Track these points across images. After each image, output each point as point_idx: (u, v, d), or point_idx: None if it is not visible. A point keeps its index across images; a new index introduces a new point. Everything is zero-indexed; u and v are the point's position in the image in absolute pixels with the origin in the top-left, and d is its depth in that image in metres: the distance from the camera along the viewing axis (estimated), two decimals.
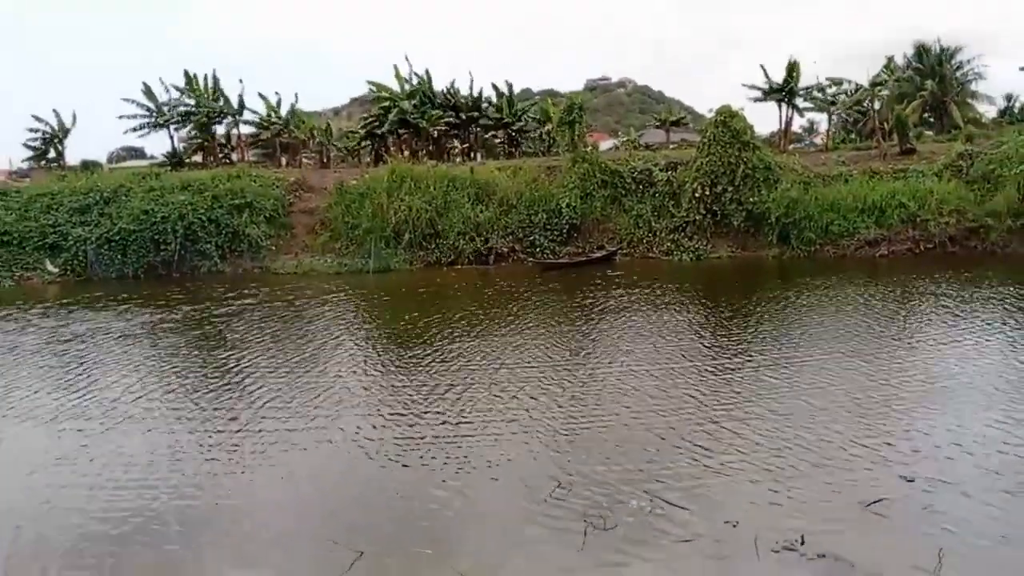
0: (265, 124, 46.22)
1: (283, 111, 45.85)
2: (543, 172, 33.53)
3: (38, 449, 11.11)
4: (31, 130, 44.35)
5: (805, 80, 39.70)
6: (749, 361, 14.14)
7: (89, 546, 8.26)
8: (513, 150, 49.33)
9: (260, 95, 45.87)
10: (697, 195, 30.08)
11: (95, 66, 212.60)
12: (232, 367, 15.25)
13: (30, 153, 45.76)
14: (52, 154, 45.42)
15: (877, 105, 41.99)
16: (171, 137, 45.16)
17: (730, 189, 29.79)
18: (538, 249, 30.85)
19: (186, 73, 43.44)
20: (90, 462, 10.49)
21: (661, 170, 32.25)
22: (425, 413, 11.90)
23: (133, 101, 43.24)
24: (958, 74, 48.82)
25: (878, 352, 14.27)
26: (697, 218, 30.24)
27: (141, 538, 8.37)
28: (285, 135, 46.66)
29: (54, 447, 11.15)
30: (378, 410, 12.15)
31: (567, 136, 33.61)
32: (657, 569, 7.34)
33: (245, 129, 47.36)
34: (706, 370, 13.62)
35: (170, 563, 7.86)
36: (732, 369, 13.63)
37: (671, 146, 51.43)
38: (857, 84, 40.43)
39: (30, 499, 9.45)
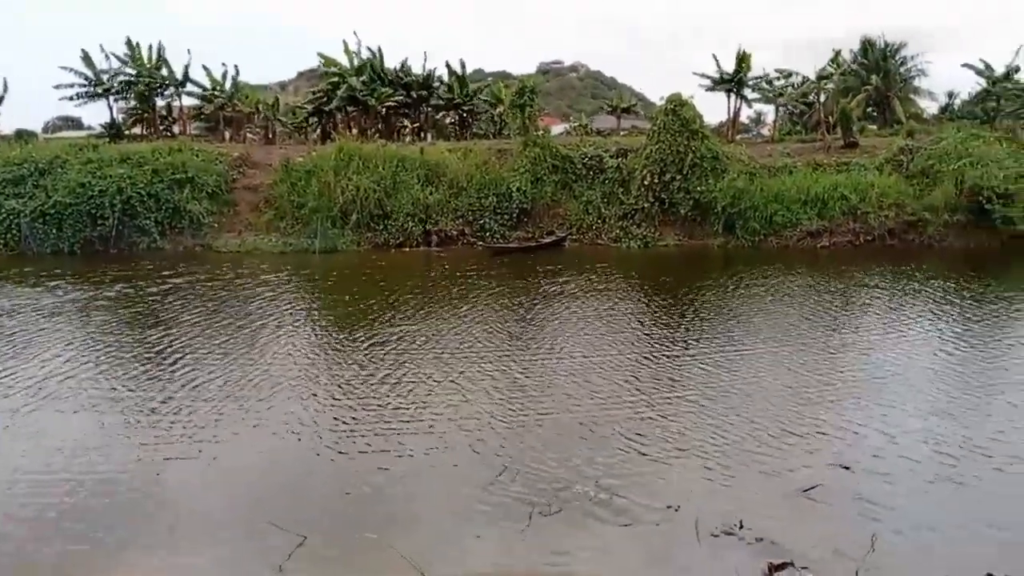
0: (208, 97, 44.94)
1: (227, 84, 44.65)
2: (494, 155, 33.43)
3: None
4: None
5: (755, 71, 40.47)
6: (690, 350, 14.43)
7: (9, 532, 8.03)
8: (464, 132, 49.08)
9: (204, 67, 44.66)
10: (646, 183, 30.38)
11: (29, 30, 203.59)
12: (166, 348, 14.93)
13: None
14: None
15: (823, 98, 42.88)
16: (110, 108, 43.68)
17: (678, 178, 30.16)
18: (488, 233, 30.81)
19: (128, 40, 41.85)
20: (12, 443, 10.19)
21: (611, 156, 32.45)
22: (366, 398, 11.86)
23: (71, 69, 41.55)
24: (902, 70, 50.14)
25: (815, 343, 14.74)
26: (645, 206, 30.56)
27: (67, 526, 8.15)
28: (229, 108, 45.48)
29: None
30: (317, 395, 12.05)
31: (519, 119, 33.54)
32: (600, 552, 7.48)
33: (187, 101, 46.08)
34: (648, 359, 13.86)
35: (98, 553, 7.67)
36: (674, 358, 13.91)
37: (622, 132, 51.87)
38: (804, 77, 41.29)
39: None
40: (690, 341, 15.07)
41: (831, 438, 10.00)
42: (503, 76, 77.03)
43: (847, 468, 9.10)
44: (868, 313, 17.50)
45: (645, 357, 13.93)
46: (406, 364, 13.58)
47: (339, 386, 12.46)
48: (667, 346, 14.72)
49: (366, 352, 14.47)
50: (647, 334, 15.72)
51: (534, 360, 13.89)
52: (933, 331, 15.56)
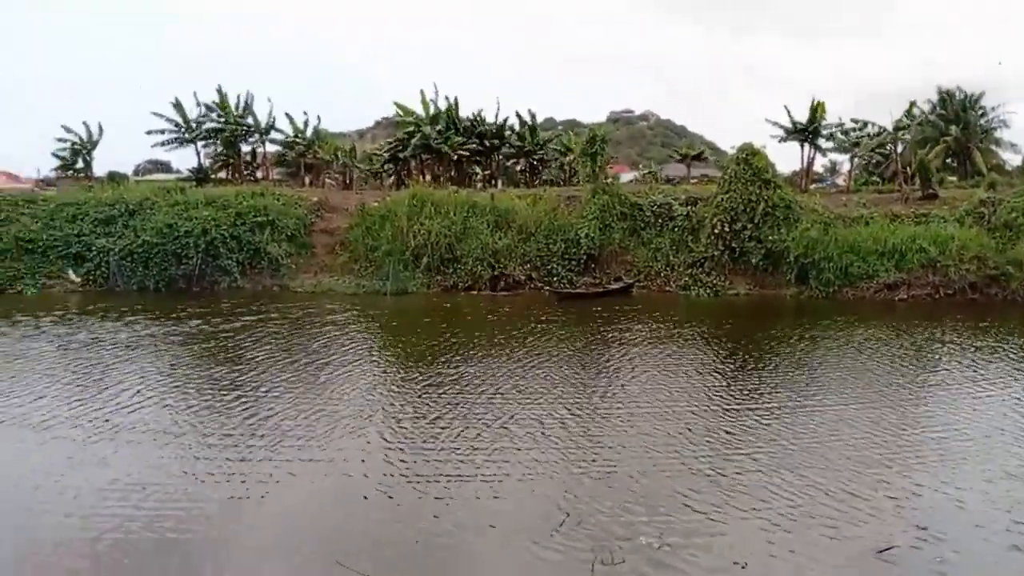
0: (290, 144, 46.86)
1: (308, 131, 46.47)
2: (563, 202, 33.73)
3: (20, 459, 11.21)
4: (59, 139, 45.31)
5: (828, 120, 39.91)
6: (762, 405, 14.07)
7: (56, 563, 8.19)
8: (534, 179, 49.72)
9: (287, 115, 46.67)
10: (716, 231, 30.13)
11: (125, 78, 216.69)
12: (235, 385, 15.36)
13: (57, 163, 46.58)
14: (79, 164, 46.19)
15: (900, 149, 42.00)
16: (198, 153, 45.95)
17: (750, 226, 29.83)
18: (555, 278, 30.94)
19: (219, 89, 44.23)
20: (73, 473, 10.56)
21: (681, 204, 32.36)
22: (431, 441, 11.94)
23: (162, 116, 44.06)
24: (982, 120, 48.72)
25: (886, 400, 14.14)
26: (715, 254, 30.27)
27: (117, 559, 8.27)
28: (309, 155, 47.24)
29: (40, 459, 11.19)
30: (383, 436, 12.17)
31: (588, 167, 33.85)
32: None
33: (270, 148, 48.12)
34: (720, 412, 13.58)
35: None
36: (744, 412, 13.57)
37: (692, 181, 51.64)
38: (880, 127, 40.56)
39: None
40: (764, 396, 14.69)
41: (900, 501, 9.58)
42: (573, 124, 78.00)
43: (924, 528, 8.72)
44: (949, 371, 16.75)
45: (716, 410, 13.65)
46: (475, 409, 13.62)
47: (408, 429, 12.57)
48: (730, 398, 14.42)
49: (436, 396, 14.58)
50: (718, 386, 15.42)
51: (604, 409, 13.78)
52: (1011, 392, 14.84)
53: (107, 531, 8.87)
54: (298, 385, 15.30)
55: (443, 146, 43.16)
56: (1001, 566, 8.04)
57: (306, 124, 46.52)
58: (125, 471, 10.63)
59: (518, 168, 53.03)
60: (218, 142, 45.68)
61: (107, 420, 12.99)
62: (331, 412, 13.38)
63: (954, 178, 47.11)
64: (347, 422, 12.82)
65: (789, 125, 39.86)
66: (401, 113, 45.30)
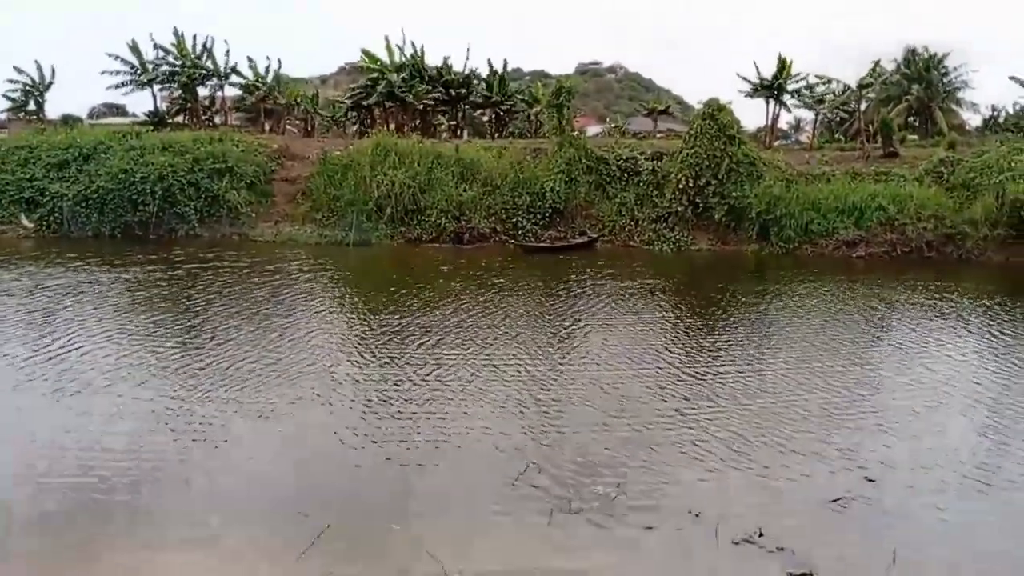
0: (250, 88, 45.69)
1: (269, 76, 45.32)
2: (529, 154, 33.48)
3: None
4: (11, 81, 43.53)
5: (795, 76, 39.95)
6: (722, 358, 14.35)
7: (32, 516, 8.17)
8: (500, 130, 49.20)
9: (248, 59, 45.35)
10: (681, 186, 30.18)
11: (78, 18, 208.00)
12: (199, 333, 15.27)
13: (8, 104, 44.87)
14: (31, 106, 44.57)
15: (863, 106, 42.28)
16: (154, 96, 44.59)
17: (714, 182, 29.92)
18: (520, 231, 30.85)
19: (175, 31, 42.65)
20: (38, 431, 10.45)
21: (647, 159, 32.30)
22: (395, 390, 12.02)
23: (118, 57, 42.47)
24: (945, 80, 49.26)
25: (848, 355, 14.54)
26: (679, 209, 30.37)
27: (93, 504, 8.33)
28: (270, 101, 46.16)
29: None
30: (346, 386, 12.22)
31: (555, 119, 33.50)
32: (619, 554, 7.51)
33: (229, 92, 46.89)
34: (678, 365, 13.81)
35: (125, 532, 7.87)
36: (704, 365, 13.84)
37: (658, 135, 51.54)
38: (844, 84, 40.71)
39: None
40: (725, 349, 14.98)
41: (858, 453, 9.89)
42: (541, 76, 77.13)
43: (872, 481, 9.02)
44: (904, 327, 17.20)
45: (677, 363, 13.88)
46: (439, 358, 13.71)
47: (371, 378, 12.64)
48: (695, 352, 14.67)
49: (399, 346, 14.64)
50: (680, 340, 15.68)
51: (567, 360, 13.96)
52: (969, 347, 15.30)
53: (57, 482, 8.79)
54: (257, 336, 15.18)
55: (408, 95, 42.37)
56: (952, 513, 8.39)
57: (267, 69, 45.41)
58: (74, 421, 10.52)
59: (484, 119, 52.38)
60: (175, 86, 44.32)
61: (57, 367, 12.81)
62: (298, 363, 13.34)
63: (915, 137, 47.77)
64: (315, 373, 12.80)
65: (756, 80, 39.84)
66: (366, 60, 44.27)
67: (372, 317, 17.44)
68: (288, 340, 14.90)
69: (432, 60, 44.53)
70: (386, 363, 13.48)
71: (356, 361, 13.67)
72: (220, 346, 14.29)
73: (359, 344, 14.92)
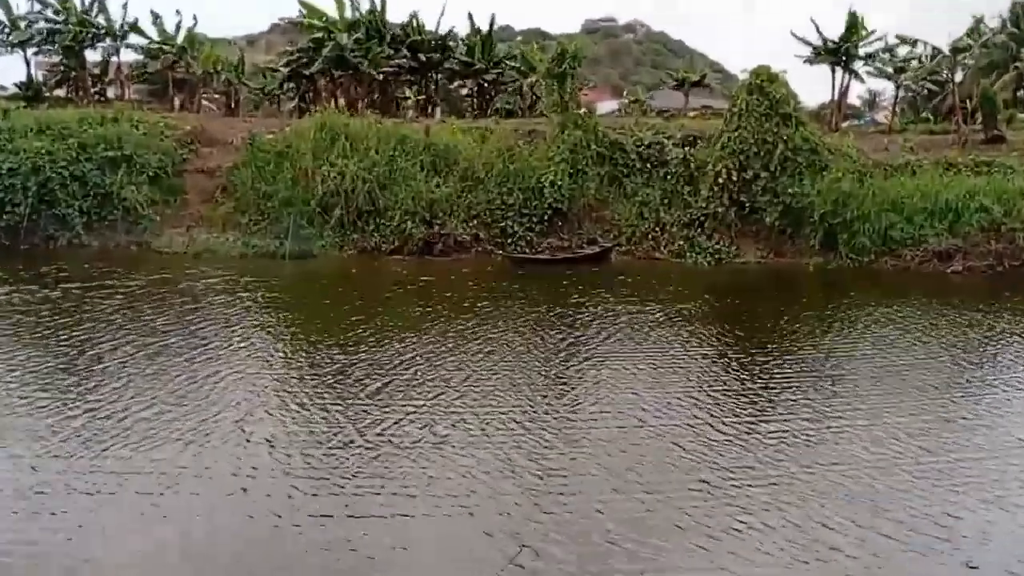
0: (155, 52, 45.70)
1: (180, 36, 45.32)
2: (522, 138, 33.52)
3: None
4: None
5: (869, 38, 40.22)
6: (771, 410, 14.20)
7: None
8: (484, 107, 49.33)
9: (152, 13, 45.34)
10: (721, 180, 30.24)
11: None
12: (76, 375, 15.07)
13: None
14: None
15: (959, 76, 42.58)
16: (27, 62, 44.49)
17: (764, 175, 30.00)
18: (510, 239, 30.86)
19: None
20: None
21: (676, 145, 32.39)
22: (338, 452, 11.77)
23: None
24: None
25: (942, 407, 14.35)
26: (719, 210, 30.43)
27: None
28: (181, 68, 46.15)
29: None
30: (271, 447, 11.96)
31: (556, 92, 33.58)
32: None
33: (127, 57, 46.85)
34: (713, 418, 13.58)
35: None
36: (748, 419, 13.63)
37: (690, 114, 51.78)
38: (935, 47, 40.99)
39: None
40: (768, 397, 14.84)
41: (955, 532, 9.75)
42: (538, 36, 77.64)
43: (975, 568, 8.89)
44: (1006, 371, 17.10)
45: (705, 416, 13.68)
46: (388, 409, 13.52)
47: (293, 437, 12.36)
48: (735, 402, 14.49)
49: (335, 391, 14.46)
50: (710, 384, 15.52)
51: (554, 413, 13.72)
52: None
53: None
54: (154, 380, 14.94)
55: (363, 60, 42.42)
56: None
57: (177, 26, 45.49)
58: None
59: (464, 92, 52.55)
60: (55, 48, 44.24)
61: None
62: (198, 415, 13.09)
63: None
64: (219, 431, 12.55)
65: (818, 42, 40.11)
66: (307, 14, 44.38)
67: (310, 353, 17.24)
68: (195, 385, 14.66)
69: (396, 15, 44.90)
70: (327, 415, 13.26)
71: (285, 413, 13.42)
72: (103, 393, 14.03)
73: (290, 390, 14.70)
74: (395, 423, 12.91)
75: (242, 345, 17.71)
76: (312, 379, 15.38)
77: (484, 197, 31.39)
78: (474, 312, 21.19)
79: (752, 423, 13.40)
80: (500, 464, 11.47)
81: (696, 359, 17.28)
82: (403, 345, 17.74)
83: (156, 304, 21.53)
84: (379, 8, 43.94)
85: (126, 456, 11.51)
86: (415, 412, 13.41)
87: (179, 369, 15.62)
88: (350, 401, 14.02)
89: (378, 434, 12.49)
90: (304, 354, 17.46)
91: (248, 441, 12.22)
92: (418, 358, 16.59)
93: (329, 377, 15.38)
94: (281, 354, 17.52)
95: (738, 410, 14.04)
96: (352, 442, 12.23)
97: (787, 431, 13.07)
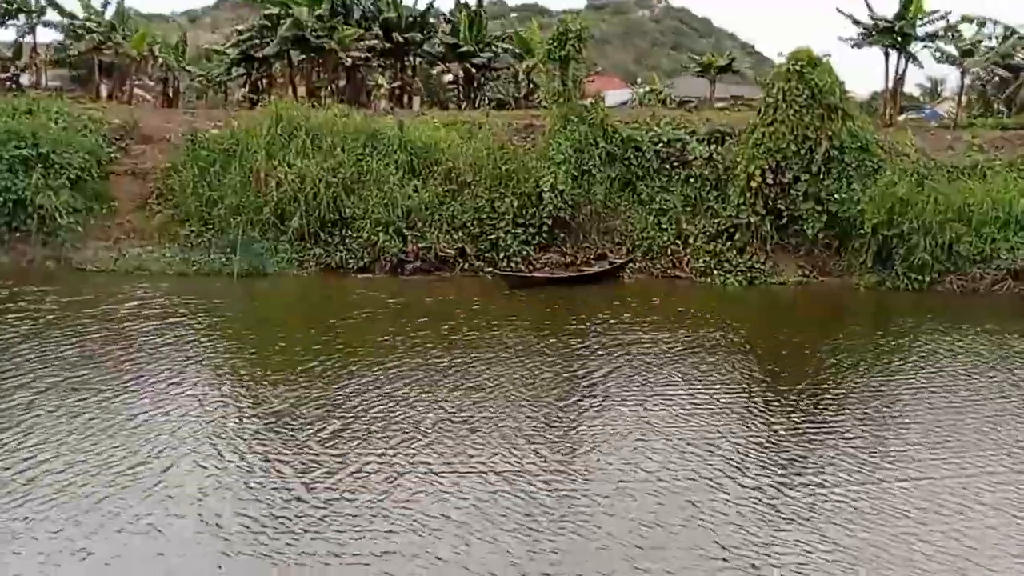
0: (78, 32, 45.73)
1: (108, 12, 45.48)
2: (516, 134, 33.58)
3: None
4: None
5: (929, 15, 40.34)
6: (812, 461, 14.12)
7: None
8: (472, 97, 49.48)
9: None
10: (754, 185, 30.25)
11: None
12: None
13: None
14: None
15: None
16: None
17: (805, 178, 30.03)
18: (503, 255, 30.84)
19: None
20: None
21: (700, 142, 32.45)
22: (282, 512, 11.71)
23: None
24: None
25: (1013, 465, 14.23)
26: (753, 220, 30.43)
27: None
28: (109, 51, 46.16)
29: None
30: (202, 507, 11.86)
31: (557, 79, 33.62)
32: None
33: (45, 37, 46.93)
34: (741, 471, 13.56)
35: None
36: (782, 472, 13.58)
37: (718, 105, 51.95)
38: (1008, 27, 41.15)
39: None
40: (808, 445, 14.79)
41: None
42: (535, 11, 77.95)
43: None
44: None
45: (732, 468, 13.66)
46: (346, 459, 13.48)
47: (229, 495, 12.28)
48: (769, 451, 14.46)
49: (283, 437, 14.44)
50: (739, 429, 15.51)
51: (558, 462, 13.72)
52: None
53: None
54: (62, 423, 14.86)
55: (327, 41, 42.50)
56: None
57: (105, 3, 45.53)
58: None
59: (448, 80, 52.73)
60: None
61: None
62: (113, 467, 13.00)
63: None
64: (139, 487, 12.47)
65: (868, 21, 40.24)
66: None
67: (253, 390, 17.15)
68: (114, 429, 14.58)
69: None
70: (268, 465, 13.21)
71: (219, 463, 13.35)
72: (3, 438, 13.95)
73: (227, 435, 14.61)
74: (352, 475, 12.81)
75: (173, 381, 17.60)
76: (254, 422, 15.32)
77: (471, 204, 31.35)
78: (454, 342, 21.15)
79: (785, 476, 13.34)
80: (475, 530, 11.37)
81: (717, 399, 17.21)
82: (365, 381, 17.72)
83: (73, 332, 21.38)
84: None
85: (23, 516, 11.42)
86: (375, 462, 13.35)
87: (96, 410, 15.54)
88: (297, 449, 13.96)
89: (329, 488, 12.37)
90: (246, 392, 17.37)
91: (171, 497, 12.13)
92: (383, 397, 16.54)
93: (274, 419, 15.32)
94: (219, 392, 17.41)
95: (769, 461, 13.97)
96: (298, 498, 12.14)
97: (826, 485, 13.01)
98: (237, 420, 15.52)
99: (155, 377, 17.89)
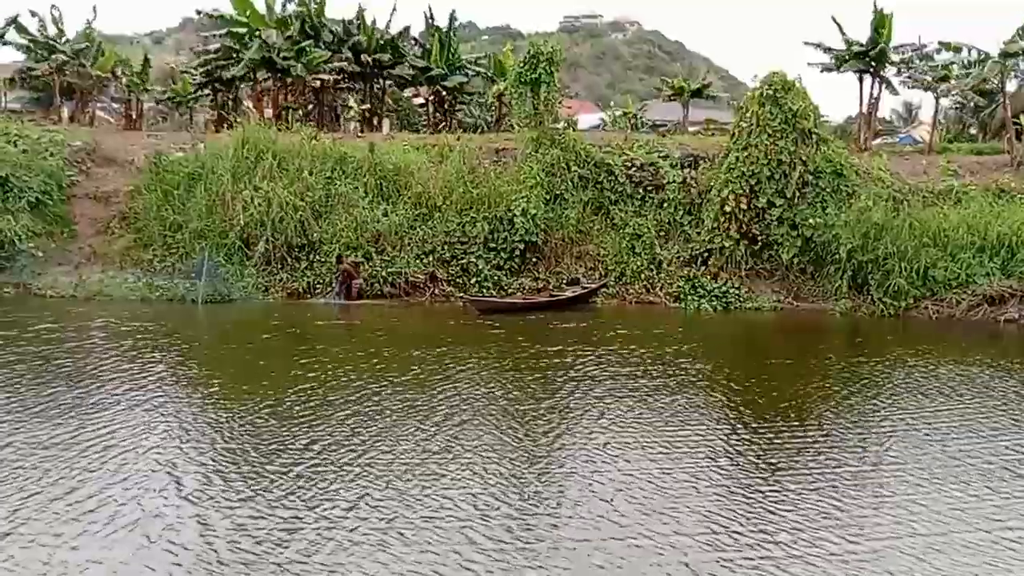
0: (39, 53, 45.66)
1: (71, 33, 45.43)
2: (488, 157, 33.69)
3: None
4: None
5: (901, 41, 40.84)
6: (787, 496, 14.00)
7: None
8: (443, 120, 49.55)
9: (31, 12, 45.47)
10: (728, 209, 30.43)
11: None
12: None
13: None
14: None
15: (1012, 87, 43.21)
16: None
17: (779, 203, 30.24)
18: (474, 280, 30.91)
19: None
20: None
21: (674, 166, 32.65)
22: (241, 558, 11.51)
23: None
24: None
25: (1002, 498, 14.17)
26: (727, 244, 30.59)
27: None
28: (71, 71, 46.06)
29: None
30: (156, 554, 11.60)
31: (528, 103, 33.77)
32: None
33: (5, 58, 46.73)
34: (716, 510, 13.44)
35: None
36: (758, 512, 13.36)
37: (691, 129, 52.26)
38: (982, 51, 41.60)
39: None
40: (784, 482, 14.61)
41: None
42: (507, 35, 78.21)
43: None
44: None
45: (707, 506, 13.51)
46: (311, 498, 13.17)
47: (189, 540, 12.06)
48: (746, 488, 14.26)
49: (244, 473, 14.23)
50: (716, 464, 15.36)
51: (517, 511, 13.32)
52: None
53: None
54: (27, 459, 14.56)
55: (295, 64, 42.53)
56: None
57: (57, 21, 45.51)
58: None
59: (418, 102, 52.75)
60: None
61: None
62: (64, 513, 12.70)
63: None
64: (119, 511, 12.37)
65: (841, 46, 40.62)
66: (234, 7, 44.43)
67: (214, 424, 16.96)
68: (63, 470, 14.30)
69: (336, 10, 45.13)
70: (232, 507, 13.02)
71: (168, 503, 13.26)
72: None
73: (178, 470, 14.48)
74: (288, 520, 12.56)
75: (130, 420, 17.16)
76: (211, 456, 15.15)
77: (442, 228, 31.42)
78: (427, 372, 20.96)
79: (764, 502, 13.31)
80: (453, 546, 11.26)
81: (697, 431, 17.06)
82: (319, 416, 17.30)
83: (29, 362, 21.10)
84: (316, 1, 44.10)
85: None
86: (316, 511, 12.94)
87: (51, 446, 15.21)
88: (268, 486, 13.77)
89: (267, 534, 12.09)
90: (210, 424, 17.08)
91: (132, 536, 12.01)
92: (334, 433, 16.21)
93: (254, 456, 15.13)
94: (175, 423, 17.12)
95: (745, 500, 13.77)
96: (266, 539, 11.93)
97: (798, 507, 12.99)
98: (194, 452, 15.25)
99: (115, 413, 17.51)
